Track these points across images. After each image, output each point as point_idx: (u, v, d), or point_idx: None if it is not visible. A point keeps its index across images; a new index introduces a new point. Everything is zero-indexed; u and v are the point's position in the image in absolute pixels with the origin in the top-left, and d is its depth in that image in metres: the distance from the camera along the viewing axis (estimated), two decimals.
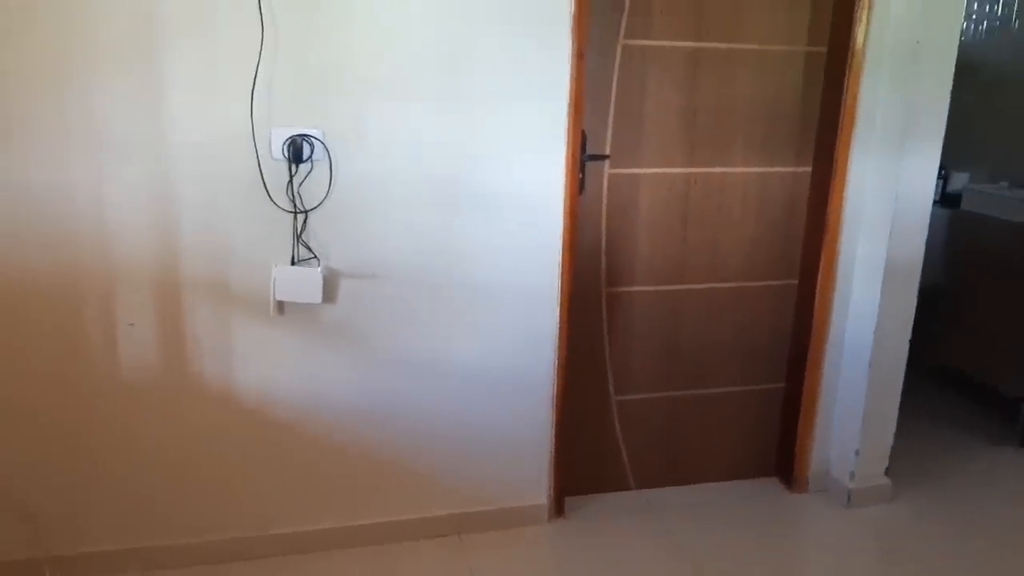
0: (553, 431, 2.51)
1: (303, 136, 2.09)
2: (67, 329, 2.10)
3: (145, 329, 2.14)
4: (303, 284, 2.17)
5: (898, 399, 2.69)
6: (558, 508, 2.60)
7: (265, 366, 2.24)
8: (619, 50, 2.38)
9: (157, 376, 2.18)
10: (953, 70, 2.42)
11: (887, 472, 2.75)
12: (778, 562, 2.44)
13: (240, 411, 2.26)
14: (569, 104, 2.25)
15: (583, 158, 2.38)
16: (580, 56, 2.21)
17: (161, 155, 2.04)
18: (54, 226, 2.03)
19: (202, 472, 2.28)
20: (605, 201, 2.50)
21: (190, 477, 2.28)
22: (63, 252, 2.05)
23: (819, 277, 2.62)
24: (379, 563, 2.37)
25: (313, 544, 2.40)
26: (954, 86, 2.45)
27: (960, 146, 3.38)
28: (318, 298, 2.19)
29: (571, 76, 2.23)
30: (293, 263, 2.17)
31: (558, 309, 2.41)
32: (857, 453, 2.67)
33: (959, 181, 3.78)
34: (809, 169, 2.62)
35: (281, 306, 2.21)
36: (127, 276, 2.10)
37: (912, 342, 2.67)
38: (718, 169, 2.55)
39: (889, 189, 2.50)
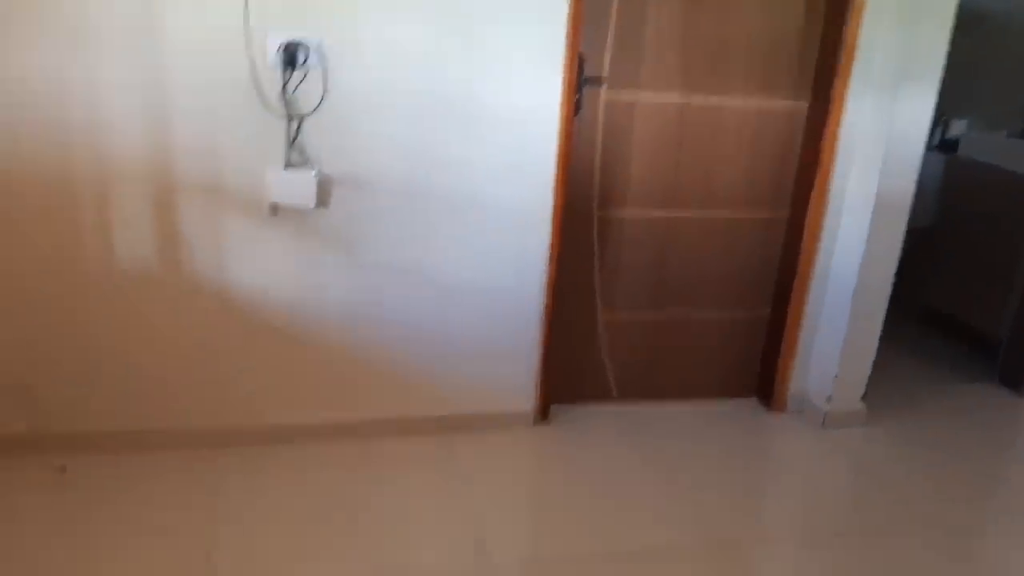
0: (541, 342, 2.59)
1: (297, 42, 2.11)
2: (65, 220, 2.15)
3: (140, 225, 2.20)
4: (297, 188, 2.21)
5: (879, 329, 2.76)
6: (543, 414, 2.70)
7: (258, 265, 2.30)
8: None
9: (152, 270, 2.24)
10: (953, 15, 2.43)
11: (863, 398, 2.85)
12: (749, 474, 2.56)
13: (233, 307, 2.33)
14: (568, 25, 2.27)
15: (580, 80, 2.42)
16: None
17: (156, 56, 2.06)
18: (49, 123, 2.06)
19: (195, 362, 2.36)
20: (601, 124, 2.54)
21: (184, 366, 2.36)
22: (59, 147, 2.08)
23: (809, 210, 2.68)
24: (366, 454, 2.46)
25: (302, 435, 2.48)
26: (959, 34, 2.46)
27: (962, 93, 3.42)
28: (312, 202, 2.23)
29: None
30: (287, 167, 2.22)
31: (550, 228, 2.47)
32: (835, 377, 2.77)
33: (958, 128, 3.83)
34: (806, 105, 2.65)
35: (275, 208, 2.26)
36: (121, 174, 2.14)
37: (903, 283, 2.73)
38: (715, 99, 2.59)
39: (883, 129, 2.54)
